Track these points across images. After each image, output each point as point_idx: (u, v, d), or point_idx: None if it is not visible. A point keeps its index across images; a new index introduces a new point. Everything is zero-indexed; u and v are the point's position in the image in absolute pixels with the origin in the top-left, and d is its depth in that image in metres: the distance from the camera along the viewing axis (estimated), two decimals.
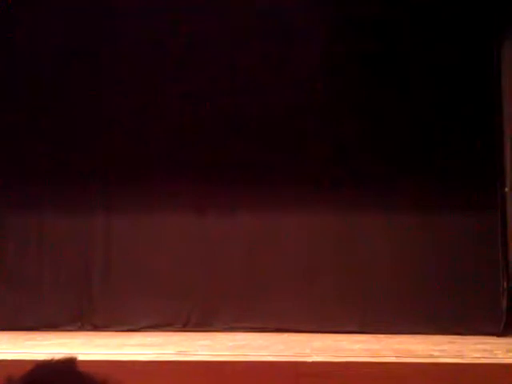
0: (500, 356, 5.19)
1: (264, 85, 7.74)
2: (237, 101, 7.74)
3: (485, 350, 5.51)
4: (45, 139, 7.84)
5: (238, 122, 7.73)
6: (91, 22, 7.83)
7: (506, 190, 7.32)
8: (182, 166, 7.73)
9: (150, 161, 7.75)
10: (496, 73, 7.46)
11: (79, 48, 7.85)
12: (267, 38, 7.77)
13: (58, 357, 1.82)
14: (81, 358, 1.87)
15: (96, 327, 7.57)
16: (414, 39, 7.63)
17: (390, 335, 6.92)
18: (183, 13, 7.70)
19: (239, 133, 7.72)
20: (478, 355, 5.17)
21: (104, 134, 7.84)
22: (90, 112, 7.84)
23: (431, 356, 5.13)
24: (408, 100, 7.60)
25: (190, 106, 7.79)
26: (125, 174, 7.76)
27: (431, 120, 7.58)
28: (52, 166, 7.82)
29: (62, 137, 7.84)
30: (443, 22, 7.58)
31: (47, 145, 7.84)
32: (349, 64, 7.69)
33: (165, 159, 7.75)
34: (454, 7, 7.58)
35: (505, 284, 7.21)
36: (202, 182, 7.67)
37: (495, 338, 6.84)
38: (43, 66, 7.90)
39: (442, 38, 7.59)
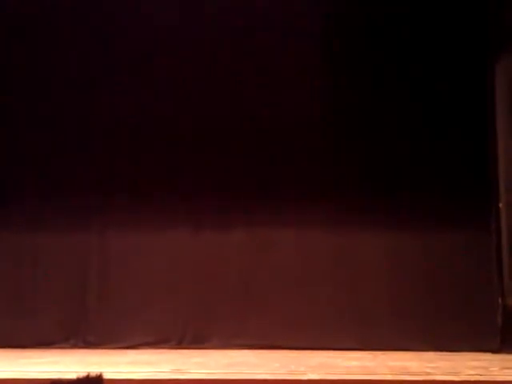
0: (495, 373, 5.18)
1: (260, 100, 7.77)
2: (233, 118, 7.76)
3: (480, 367, 5.49)
4: (40, 155, 7.85)
5: (234, 139, 7.74)
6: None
7: (500, 205, 7.33)
8: (178, 182, 7.73)
9: (145, 178, 7.75)
10: (490, 87, 7.49)
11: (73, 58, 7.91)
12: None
13: (83, 375, 1.82)
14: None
15: (90, 345, 7.54)
16: (410, 53, 7.67)
17: (385, 352, 6.90)
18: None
19: (235, 150, 7.73)
20: (473, 372, 5.15)
21: (100, 150, 7.84)
22: (86, 129, 7.85)
23: (426, 373, 5.11)
24: (402, 117, 7.62)
25: (185, 123, 7.80)
26: (121, 191, 7.76)
27: (425, 136, 7.60)
28: (47, 182, 7.82)
29: (58, 153, 7.84)
30: (438, 37, 7.62)
31: (42, 160, 7.85)
32: (344, 76, 7.73)
33: (161, 176, 7.75)
34: (449, 22, 7.62)
35: (500, 300, 7.21)
36: (197, 199, 7.68)
37: (490, 354, 6.83)
38: (40, 77, 7.93)
39: (437, 53, 7.63)
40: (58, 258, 7.80)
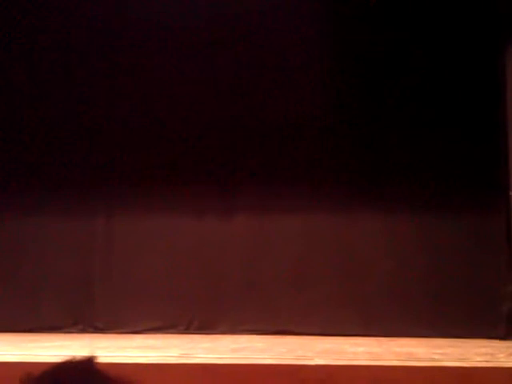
0: (502, 359, 5.18)
1: (262, 90, 7.76)
2: (235, 106, 7.76)
3: (487, 354, 5.49)
4: (45, 142, 7.86)
5: (236, 126, 7.75)
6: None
7: (511, 193, 7.30)
8: (181, 170, 7.75)
9: (150, 165, 7.77)
10: (501, 76, 7.46)
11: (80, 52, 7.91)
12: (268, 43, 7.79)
13: (78, 356, 1.82)
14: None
15: (98, 329, 7.59)
16: (419, 45, 7.63)
17: (391, 338, 6.91)
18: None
19: (237, 137, 7.74)
20: (480, 359, 5.15)
21: (104, 137, 7.86)
22: (91, 115, 7.86)
23: (433, 359, 5.12)
24: (411, 102, 7.61)
25: (189, 111, 7.80)
26: (125, 178, 7.79)
27: (435, 122, 7.58)
28: (52, 168, 7.84)
29: (63, 140, 7.86)
30: (448, 29, 7.58)
31: (47, 148, 7.86)
32: (351, 68, 7.70)
33: (164, 163, 7.77)
34: (458, 14, 7.58)
35: (507, 287, 7.21)
36: (201, 186, 7.69)
37: (497, 341, 6.84)
38: (44, 66, 7.93)
39: (447, 43, 7.59)
40: (65, 243, 7.83)
